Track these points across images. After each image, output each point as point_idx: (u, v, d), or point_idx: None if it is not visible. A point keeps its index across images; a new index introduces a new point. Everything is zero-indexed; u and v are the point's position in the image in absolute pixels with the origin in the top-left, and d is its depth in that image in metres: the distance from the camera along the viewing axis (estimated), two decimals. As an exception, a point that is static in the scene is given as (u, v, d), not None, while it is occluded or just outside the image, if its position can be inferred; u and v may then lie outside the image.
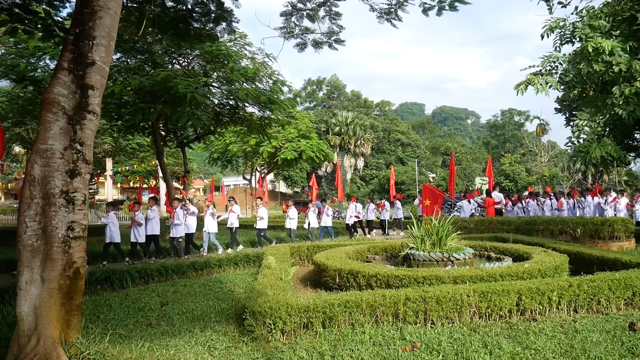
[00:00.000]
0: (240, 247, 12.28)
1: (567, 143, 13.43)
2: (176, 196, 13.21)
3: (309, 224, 14.31)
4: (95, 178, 26.25)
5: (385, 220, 17.83)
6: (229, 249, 11.93)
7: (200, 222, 12.83)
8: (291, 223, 13.77)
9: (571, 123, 13.75)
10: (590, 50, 10.52)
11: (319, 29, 7.52)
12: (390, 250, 9.31)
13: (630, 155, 15.67)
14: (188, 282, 8.26)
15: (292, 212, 13.83)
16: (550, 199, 16.35)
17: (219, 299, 6.77)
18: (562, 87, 12.06)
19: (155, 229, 10.86)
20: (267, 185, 34.44)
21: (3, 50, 12.58)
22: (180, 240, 11.19)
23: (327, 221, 14.46)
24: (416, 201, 20.95)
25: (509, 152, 58.46)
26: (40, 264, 3.83)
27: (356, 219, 16.18)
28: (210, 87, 13.39)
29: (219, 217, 13.01)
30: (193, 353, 4.33)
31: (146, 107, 12.11)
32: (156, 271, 8.42)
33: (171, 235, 11.26)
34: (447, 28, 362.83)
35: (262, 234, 13.00)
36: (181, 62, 13.90)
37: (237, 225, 12.81)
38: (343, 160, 54.41)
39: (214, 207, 12.33)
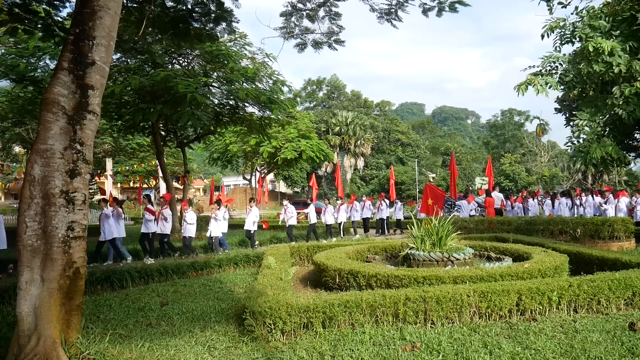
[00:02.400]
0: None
1: (567, 143, 13.40)
2: (102, 197, 11.56)
3: (210, 233, 11.89)
4: (96, 178, 26.25)
5: (342, 222, 16.06)
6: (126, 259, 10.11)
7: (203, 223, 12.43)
8: (188, 230, 11.22)
9: (571, 123, 13.73)
10: (591, 50, 10.51)
11: (319, 29, 7.54)
12: (390, 250, 9.31)
13: (630, 155, 15.67)
14: (188, 282, 8.26)
15: (190, 215, 11.37)
16: (546, 199, 16.42)
17: (219, 299, 6.77)
18: (562, 87, 12.03)
19: None
20: (267, 185, 34.43)
21: (3, 50, 12.59)
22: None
23: (223, 226, 12.07)
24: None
25: (509, 152, 58.52)
26: (40, 264, 3.83)
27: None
28: (210, 87, 13.41)
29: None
30: (193, 353, 4.34)
31: (146, 107, 12.13)
32: (156, 271, 8.43)
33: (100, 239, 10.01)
34: (447, 28, 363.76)
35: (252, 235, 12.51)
36: (181, 62, 13.92)
37: (217, 234, 11.43)
38: (343, 160, 54.41)
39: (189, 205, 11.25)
